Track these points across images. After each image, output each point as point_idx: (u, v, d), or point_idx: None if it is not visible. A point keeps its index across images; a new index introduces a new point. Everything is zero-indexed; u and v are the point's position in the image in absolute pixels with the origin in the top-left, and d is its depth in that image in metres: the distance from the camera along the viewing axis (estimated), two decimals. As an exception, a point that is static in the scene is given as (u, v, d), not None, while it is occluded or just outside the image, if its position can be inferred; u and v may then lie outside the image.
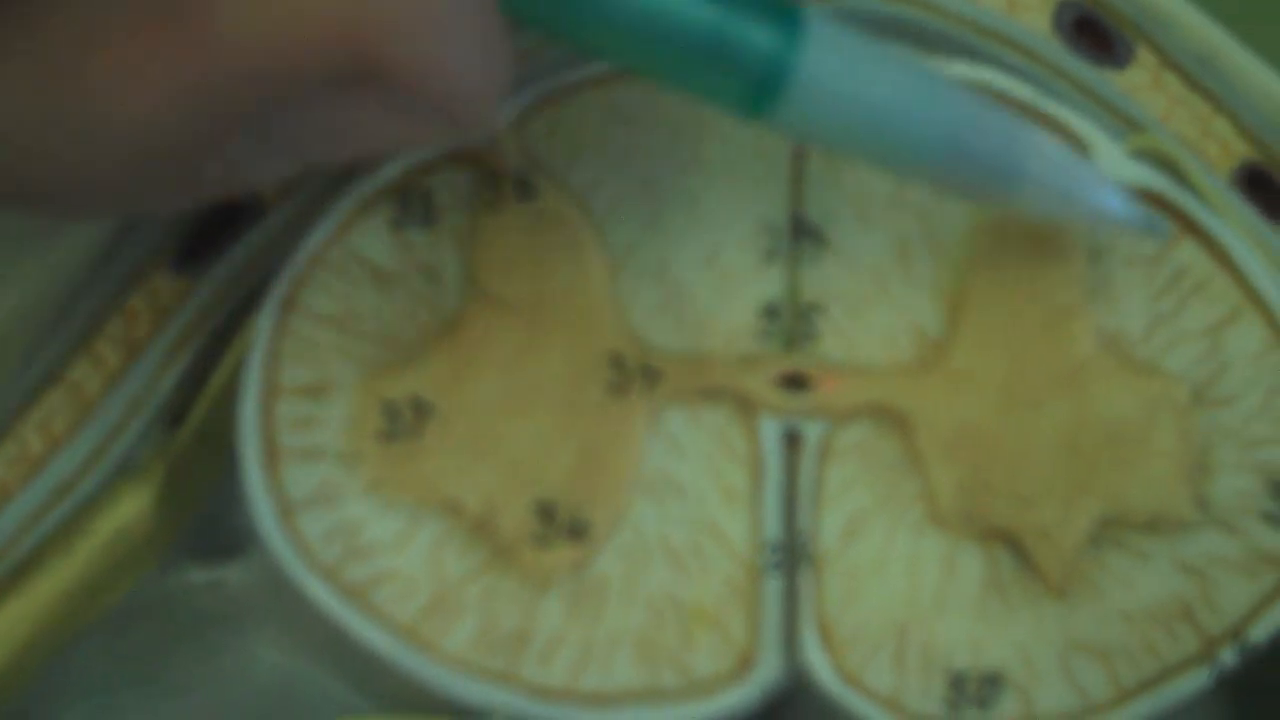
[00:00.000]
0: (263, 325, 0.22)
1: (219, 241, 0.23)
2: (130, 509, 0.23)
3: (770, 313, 0.22)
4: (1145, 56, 0.24)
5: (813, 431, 0.22)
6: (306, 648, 0.23)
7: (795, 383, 0.22)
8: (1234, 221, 0.23)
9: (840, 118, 0.20)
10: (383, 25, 0.17)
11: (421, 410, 0.22)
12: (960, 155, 0.21)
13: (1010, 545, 0.22)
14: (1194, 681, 0.21)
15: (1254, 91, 0.24)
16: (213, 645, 0.24)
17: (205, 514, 0.23)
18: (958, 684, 0.21)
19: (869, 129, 0.20)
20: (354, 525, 0.21)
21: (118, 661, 0.23)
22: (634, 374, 0.22)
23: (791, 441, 0.22)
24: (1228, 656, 0.21)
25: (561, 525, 0.21)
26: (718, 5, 0.19)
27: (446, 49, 0.18)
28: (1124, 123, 0.24)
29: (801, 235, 0.23)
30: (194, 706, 0.23)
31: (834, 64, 0.20)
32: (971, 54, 0.24)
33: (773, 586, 0.21)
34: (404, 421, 0.22)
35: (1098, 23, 0.24)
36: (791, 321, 0.22)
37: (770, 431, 0.22)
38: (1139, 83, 0.24)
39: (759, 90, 0.20)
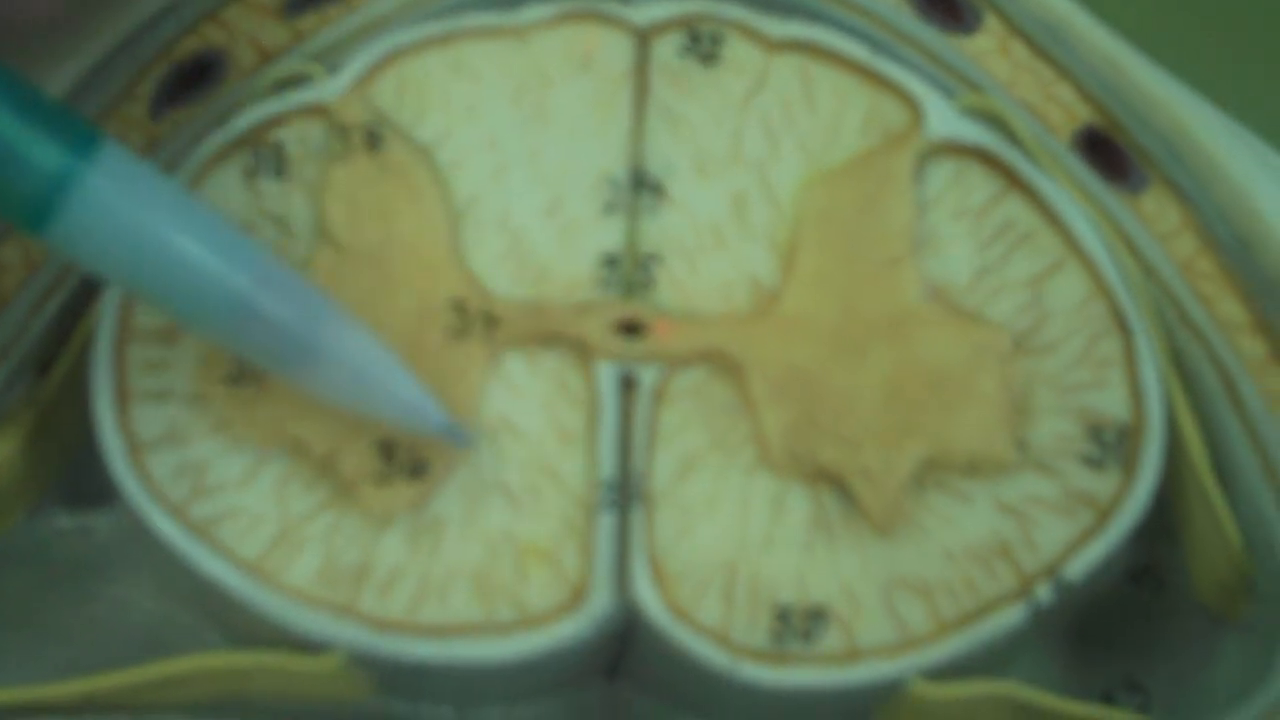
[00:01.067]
0: (116, 271, 0.23)
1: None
2: (-2, 453, 0.23)
3: (609, 262, 0.23)
4: (993, 24, 0.25)
5: (648, 376, 0.23)
6: (174, 592, 0.23)
7: (631, 329, 0.23)
8: (1063, 178, 0.24)
9: (122, 251, 0.20)
10: None
11: None
12: (250, 317, 0.20)
13: (837, 486, 0.22)
14: (1012, 617, 0.22)
15: (1096, 58, 0.25)
16: (86, 591, 0.24)
17: (74, 463, 0.24)
18: (783, 617, 0.22)
19: (153, 270, 0.20)
20: (201, 464, 0.22)
21: (-7, 605, 0.24)
22: (474, 319, 0.23)
23: (627, 385, 0.23)
24: (1044, 593, 0.22)
25: (402, 464, 0.22)
26: (6, 107, 0.19)
27: None
28: (969, 86, 0.25)
29: (641, 188, 0.23)
30: (71, 651, 0.24)
31: (123, 191, 0.20)
32: (817, 17, 0.25)
33: (606, 523, 0.22)
34: (250, 365, 0.22)
35: (947, -9, 0.25)
36: (630, 271, 0.23)
37: (606, 375, 0.23)
38: (986, 48, 0.25)
39: (37, 203, 0.20)
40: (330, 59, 0.24)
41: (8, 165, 0.19)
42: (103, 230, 0.20)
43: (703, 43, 0.24)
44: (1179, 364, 0.24)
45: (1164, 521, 0.24)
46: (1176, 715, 0.23)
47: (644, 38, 0.24)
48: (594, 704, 0.23)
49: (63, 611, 0.24)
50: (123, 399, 0.22)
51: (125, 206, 0.20)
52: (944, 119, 0.24)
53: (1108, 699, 0.23)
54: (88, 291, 0.24)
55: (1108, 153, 0.25)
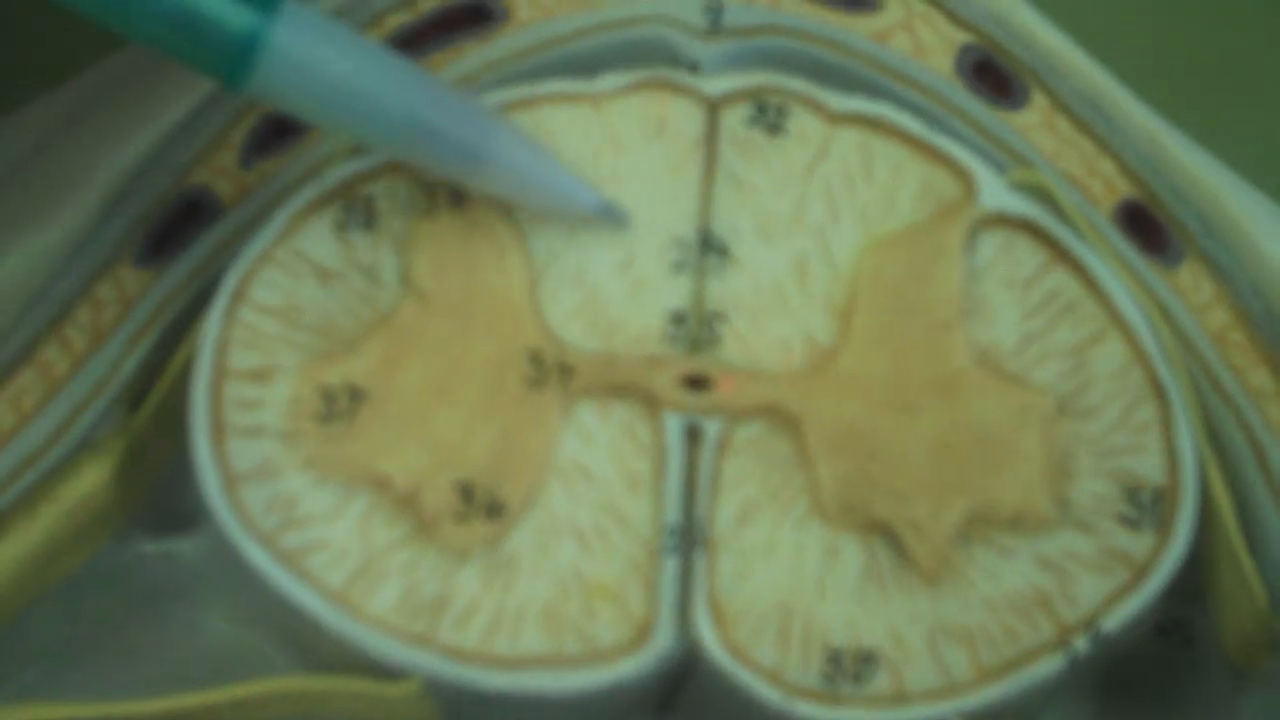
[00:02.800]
0: (214, 314, 0.24)
1: (180, 238, 0.25)
2: (90, 481, 0.24)
3: (677, 319, 0.24)
4: (1039, 99, 0.26)
5: (712, 428, 0.24)
6: (250, 618, 0.24)
7: (697, 383, 0.24)
8: (1105, 251, 0.25)
9: (311, 92, 0.23)
10: None
11: (356, 396, 0.24)
12: (423, 133, 0.23)
13: (887, 537, 0.24)
14: (1050, 666, 0.23)
15: (1137, 134, 0.26)
16: (164, 614, 0.25)
17: (160, 490, 0.25)
18: (835, 660, 0.23)
19: (338, 103, 0.23)
20: (291, 498, 0.23)
21: (75, 626, 0.25)
22: (550, 369, 0.24)
23: (692, 436, 0.24)
24: (1081, 644, 0.23)
25: (479, 504, 0.23)
26: None
27: None
28: (1016, 160, 0.26)
29: (708, 249, 0.25)
30: (146, 671, 0.25)
31: (304, 42, 0.23)
32: (876, 91, 0.26)
33: (670, 566, 0.23)
34: (339, 405, 0.24)
35: (997, 67, 0.26)
36: (696, 327, 0.25)
37: (673, 426, 0.24)
38: (1032, 123, 0.26)
39: (234, 62, 0.22)
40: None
41: (208, 33, 0.22)
42: (293, 77, 0.23)
43: (769, 114, 0.25)
44: (1211, 431, 0.25)
45: (1194, 580, 0.25)
46: (1201, 765, 0.24)
47: (714, 107, 0.25)
48: (646, 736, 0.25)
49: (139, 634, 0.25)
50: (218, 434, 0.23)
51: (310, 53, 0.23)
52: (995, 192, 0.25)
53: (1135, 749, 0.25)
54: (179, 330, 0.25)
55: (1146, 226, 0.26)
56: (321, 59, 0.23)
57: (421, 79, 0.24)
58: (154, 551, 0.25)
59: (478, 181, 0.24)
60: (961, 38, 0.26)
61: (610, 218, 0.24)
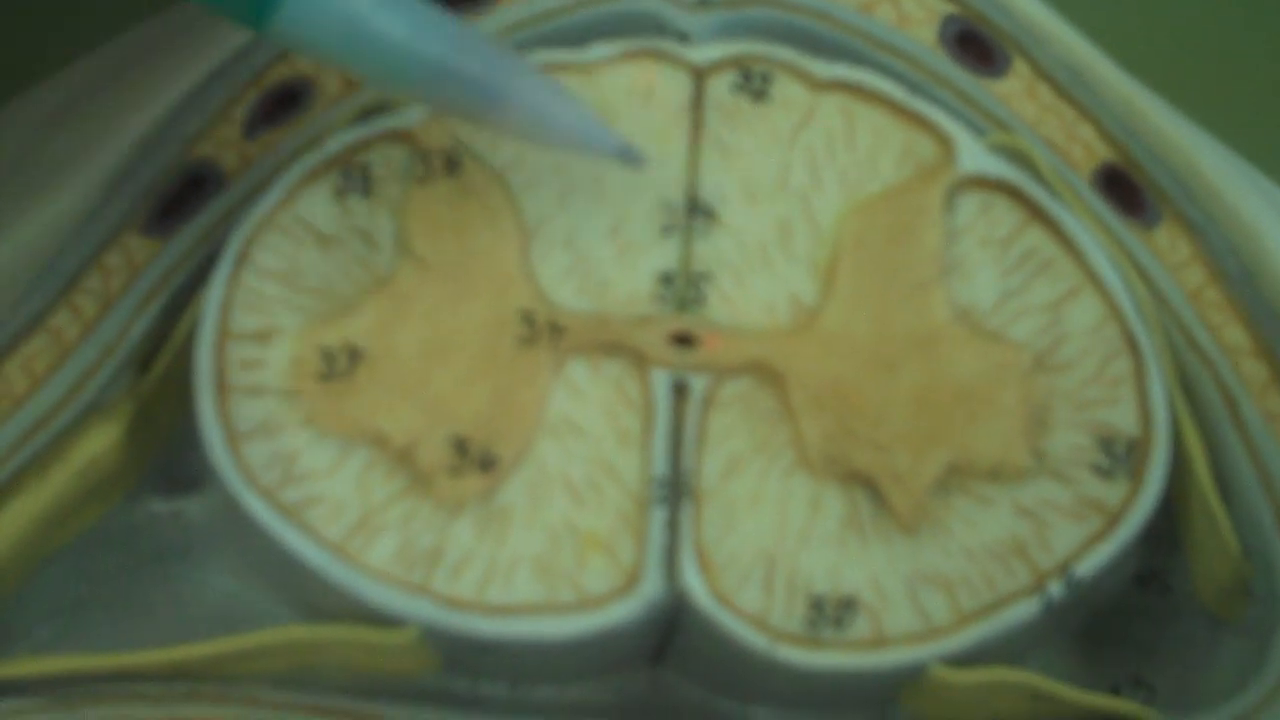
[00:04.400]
0: (218, 278, 0.25)
1: (186, 208, 0.26)
2: (100, 442, 0.25)
3: (665, 280, 0.25)
4: (1021, 68, 0.27)
5: (698, 384, 0.25)
6: (257, 574, 0.25)
7: (684, 341, 0.25)
8: (1082, 211, 0.26)
9: (334, 33, 0.23)
10: None
11: (354, 355, 0.25)
12: (444, 73, 0.24)
13: (868, 487, 0.24)
14: (1026, 610, 0.24)
15: (1116, 100, 0.27)
16: (174, 571, 0.26)
17: (170, 451, 0.26)
18: (817, 606, 0.24)
19: (360, 44, 0.23)
20: (291, 454, 0.24)
21: (87, 583, 0.26)
22: (542, 329, 0.25)
23: (680, 392, 0.25)
24: (1056, 589, 0.24)
25: (473, 458, 0.24)
26: None
27: None
28: (998, 126, 0.27)
29: (695, 212, 0.26)
30: (155, 626, 0.25)
31: None
32: (862, 60, 0.27)
33: (658, 517, 0.24)
34: (338, 364, 0.24)
35: (979, 36, 0.27)
36: (684, 288, 0.25)
37: (661, 382, 0.25)
38: (1014, 90, 0.27)
39: (260, 4, 0.23)
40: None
41: None
42: (315, 19, 0.23)
43: (754, 81, 0.26)
44: (1186, 385, 0.26)
45: (1171, 530, 0.26)
46: (1178, 710, 0.25)
47: (701, 75, 0.26)
48: (639, 687, 0.25)
49: (148, 590, 0.26)
50: (222, 393, 0.24)
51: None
52: (973, 155, 0.26)
53: (1115, 694, 0.25)
54: (186, 296, 0.26)
55: (1124, 189, 0.27)
56: (343, 3, 0.23)
57: (443, 20, 0.24)
58: (164, 511, 0.26)
59: (498, 120, 0.24)
60: (944, 8, 0.27)
61: (627, 158, 0.25)
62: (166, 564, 0.26)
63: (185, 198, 0.26)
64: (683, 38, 0.27)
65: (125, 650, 0.24)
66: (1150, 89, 0.28)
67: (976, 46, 0.27)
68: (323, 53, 0.24)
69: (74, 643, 0.25)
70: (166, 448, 0.26)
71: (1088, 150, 0.26)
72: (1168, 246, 0.26)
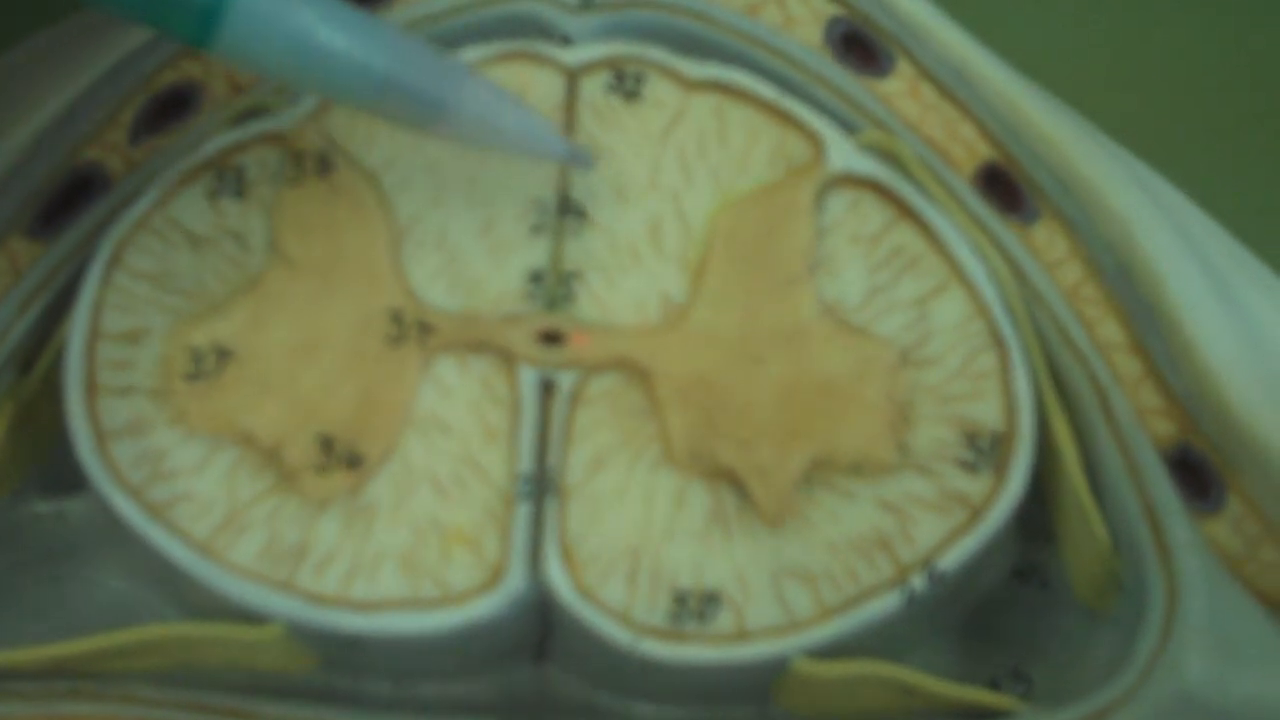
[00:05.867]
0: (90, 280, 0.25)
1: (71, 211, 0.26)
2: (-20, 444, 0.26)
3: (535, 278, 0.25)
4: (904, 68, 0.27)
5: (565, 380, 0.25)
6: (138, 573, 0.25)
7: (552, 339, 0.25)
8: (953, 208, 0.26)
9: (278, 49, 0.23)
10: None
11: (223, 355, 0.25)
12: (392, 86, 0.24)
13: (733, 483, 0.25)
14: (889, 603, 0.24)
15: (996, 98, 0.27)
16: (59, 572, 0.26)
17: (51, 453, 0.26)
18: (681, 600, 0.24)
19: (305, 59, 0.23)
20: (159, 452, 0.24)
21: (-26, 586, 0.26)
22: (410, 327, 0.25)
23: (547, 389, 0.25)
24: (918, 582, 0.24)
25: (339, 456, 0.24)
26: None
27: None
28: (879, 126, 0.27)
29: (566, 212, 0.26)
30: (44, 626, 0.26)
31: (269, 1, 0.23)
32: (744, 62, 0.27)
33: (523, 512, 0.24)
34: (207, 364, 0.25)
35: (864, 37, 0.27)
36: (554, 286, 0.25)
37: (528, 380, 0.25)
38: (897, 90, 0.27)
39: (201, 20, 0.23)
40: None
41: None
42: (258, 36, 0.23)
43: (627, 81, 0.26)
44: (1059, 381, 0.26)
45: (1048, 525, 0.26)
46: (1055, 701, 0.25)
47: (574, 76, 0.26)
48: (522, 683, 0.26)
49: (37, 590, 0.26)
50: (91, 392, 0.25)
51: (273, 10, 0.23)
52: (843, 154, 0.26)
53: (995, 687, 0.26)
54: (67, 299, 0.26)
55: (1004, 187, 0.27)
56: (285, 15, 0.23)
57: (386, 30, 0.24)
58: (47, 511, 0.26)
59: (447, 130, 0.25)
60: (829, 10, 0.27)
61: (578, 161, 0.25)
62: (54, 564, 0.26)
63: (70, 201, 0.26)
64: (566, 40, 0.27)
65: (10, 649, 0.25)
66: (1038, 84, 0.28)
67: (861, 47, 0.27)
68: (266, 67, 0.24)
69: (-40, 643, 0.25)
70: (50, 448, 0.26)
71: (968, 149, 0.27)
72: (1046, 244, 0.26)
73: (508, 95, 0.25)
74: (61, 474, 0.26)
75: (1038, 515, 0.26)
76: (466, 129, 0.25)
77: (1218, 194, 0.30)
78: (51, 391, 0.26)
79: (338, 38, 0.24)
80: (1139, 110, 0.34)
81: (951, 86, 0.27)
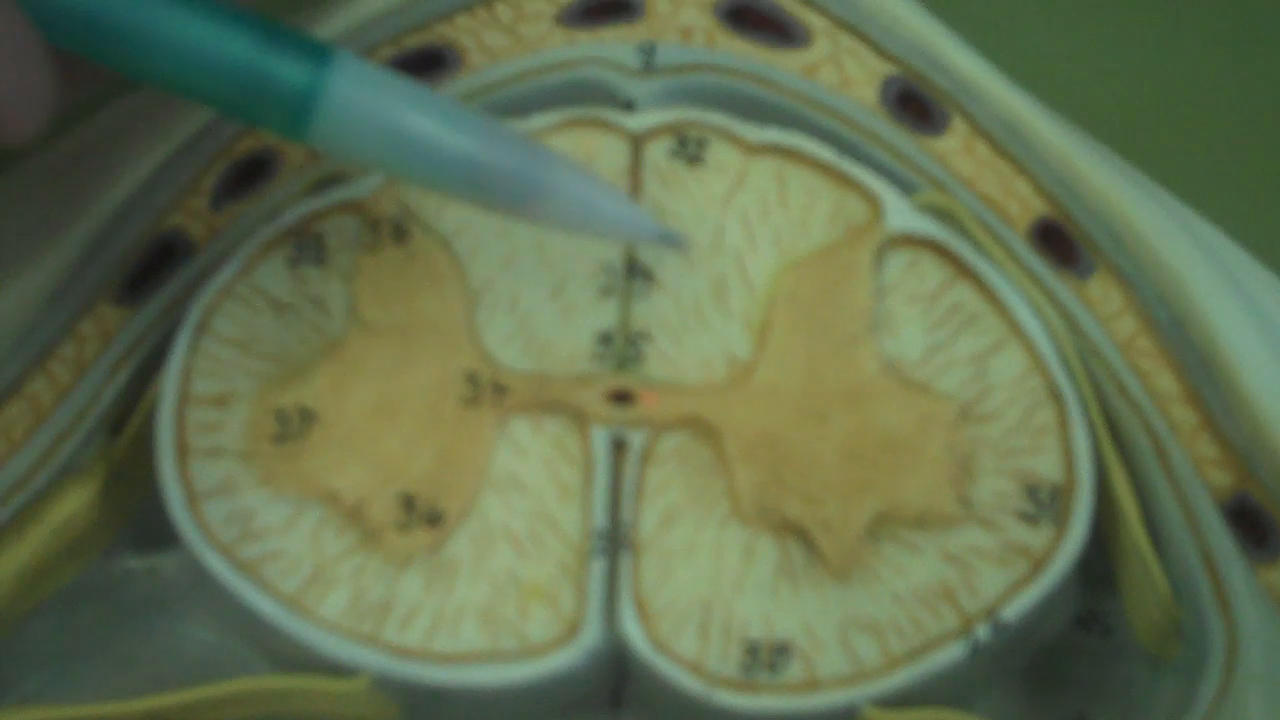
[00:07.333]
0: (178, 346, 0.26)
1: (156, 277, 0.27)
2: (75, 502, 0.26)
3: (605, 339, 0.26)
4: (959, 125, 0.28)
5: (636, 439, 0.26)
6: (227, 625, 0.26)
7: (622, 398, 0.26)
8: (1010, 265, 0.27)
9: (370, 139, 0.24)
10: None
11: (307, 417, 0.26)
12: (479, 173, 0.24)
13: (800, 537, 0.25)
14: (953, 652, 0.25)
15: (1051, 155, 0.27)
16: (150, 625, 0.27)
17: (143, 510, 0.27)
18: (752, 651, 0.25)
19: (397, 149, 0.24)
20: (248, 512, 0.25)
21: (70, 637, 0.27)
22: (485, 389, 0.26)
23: (618, 447, 0.26)
24: (982, 632, 0.25)
25: (420, 514, 0.25)
26: (252, 42, 0.23)
27: None
28: (934, 184, 0.28)
29: (634, 275, 0.27)
30: (138, 677, 0.27)
31: (360, 93, 0.24)
32: (802, 123, 0.28)
33: (598, 568, 0.25)
34: (292, 426, 0.26)
35: (918, 96, 0.28)
36: (622, 347, 0.26)
37: (600, 438, 0.26)
38: (952, 148, 0.28)
39: (295, 114, 0.24)
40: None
41: (269, 87, 0.24)
42: (351, 126, 0.24)
43: (689, 146, 0.27)
44: (1116, 432, 0.26)
45: (1110, 574, 0.27)
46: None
47: (638, 142, 0.27)
48: (599, 731, 0.27)
49: (129, 643, 0.27)
50: (182, 455, 0.26)
51: (365, 102, 0.24)
52: (901, 214, 0.27)
53: (1059, 734, 0.26)
54: (155, 362, 0.27)
55: (1059, 242, 0.27)
56: (377, 107, 0.24)
57: (477, 121, 0.25)
58: (139, 567, 0.27)
59: (539, 216, 0.25)
60: (886, 69, 0.28)
61: (670, 243, 0.26)
62: (147, 618, 0.27)
63: (155, 267, 0.27)
64: (629, 105, 0.28)
65: (107, 700, 0.25)
66: (1096, 137, 0.29)
67: (916, 105, 0.28)
68: (361, 156, 0.24)
69: (60, 694, 0.26)
70: (141, 507, 0.27)
71: (1023, 205, 0.27)
72: (1100, 297, 0.27)
73: (597, 179, 0.25)
74: (153, 531, 0.27)
75: (1100, 564, 0.26)
76: (558, 214, 0.25)
77: (1258, 229, 0.31)
78: (142, 452, 0.27)
79: (426, 124, 0.24)
80: (1180, 144, 0.35)
81: (1005, 143, 0.27)
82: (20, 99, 0.22)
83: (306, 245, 0.27)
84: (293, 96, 0.24)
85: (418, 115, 0.24)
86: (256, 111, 0.24)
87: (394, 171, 0.24)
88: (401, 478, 0.25)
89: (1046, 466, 0.26)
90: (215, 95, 0.24)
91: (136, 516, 0.27)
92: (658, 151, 0.27)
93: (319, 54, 0.24)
